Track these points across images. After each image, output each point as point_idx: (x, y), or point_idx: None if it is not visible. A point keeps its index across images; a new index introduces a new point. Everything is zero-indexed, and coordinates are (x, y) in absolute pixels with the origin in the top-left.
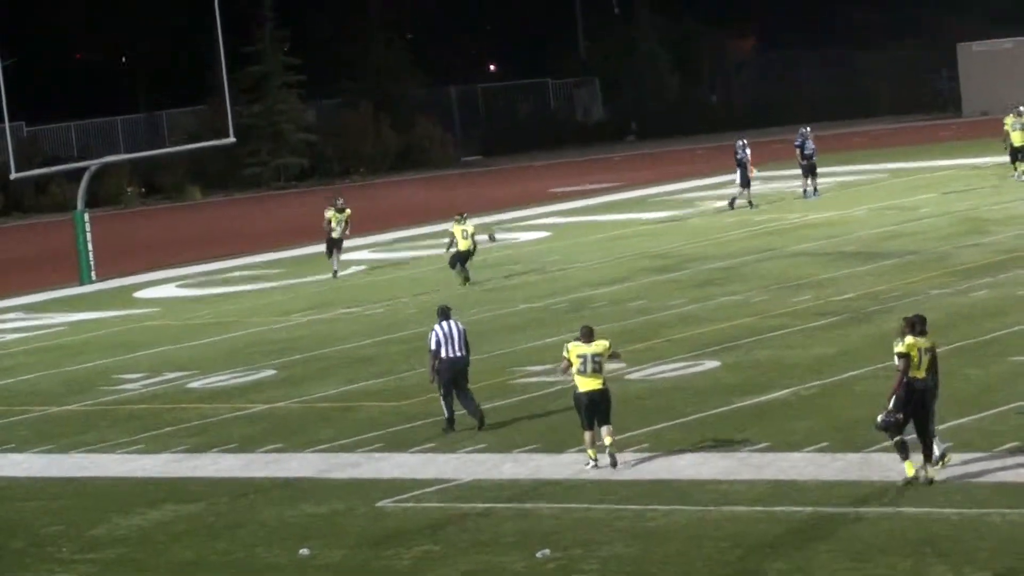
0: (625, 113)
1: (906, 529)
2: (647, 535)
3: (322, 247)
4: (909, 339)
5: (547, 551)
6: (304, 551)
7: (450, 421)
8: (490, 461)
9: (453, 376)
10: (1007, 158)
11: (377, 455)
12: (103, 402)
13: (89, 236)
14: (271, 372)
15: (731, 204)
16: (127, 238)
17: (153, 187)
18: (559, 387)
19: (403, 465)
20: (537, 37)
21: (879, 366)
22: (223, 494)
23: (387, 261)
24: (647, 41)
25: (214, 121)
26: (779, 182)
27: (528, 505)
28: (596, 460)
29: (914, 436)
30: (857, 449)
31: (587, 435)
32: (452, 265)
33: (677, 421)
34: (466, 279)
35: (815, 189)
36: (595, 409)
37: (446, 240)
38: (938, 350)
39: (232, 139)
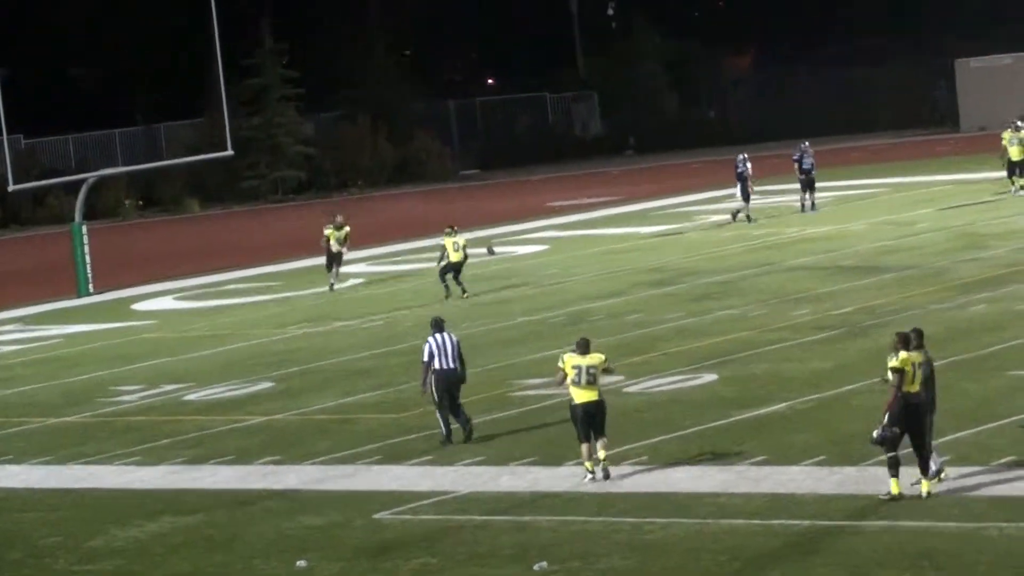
0: (623, 128)
1: (904, 543)
2: (645, 548)
3: (320, 260)
4: (903, 354)
5: (544, 564)
6: (301, 563)
7: (447, 433)
8: (487, 473)
9: (447, 387)
10: (1004, 173)
11: (375, 467)
12: (101, 414)
13: (87, 248)
14: (268, 384)
15: (734, 216)
16: (125, 251)
17: (151, 200)
18: (557, 400)
19: (401, 477)
20: (536, 52)
21: (876, 380)
22: (220, 506)
23: (385, 274)
24: (645, 57)
25: (212, 134)
26: (777, 196)
27: (526, 518)
28: (594, 473)
29: (910, 451)
30: (854, 463)
31: (584, 447)
32: (442, 277)
33: (675, 434)
34: (463, 292)
35: (813, 204)
36: (591, 421)
37: (438, 253)
38: (936, 364)
39: (230, 152)
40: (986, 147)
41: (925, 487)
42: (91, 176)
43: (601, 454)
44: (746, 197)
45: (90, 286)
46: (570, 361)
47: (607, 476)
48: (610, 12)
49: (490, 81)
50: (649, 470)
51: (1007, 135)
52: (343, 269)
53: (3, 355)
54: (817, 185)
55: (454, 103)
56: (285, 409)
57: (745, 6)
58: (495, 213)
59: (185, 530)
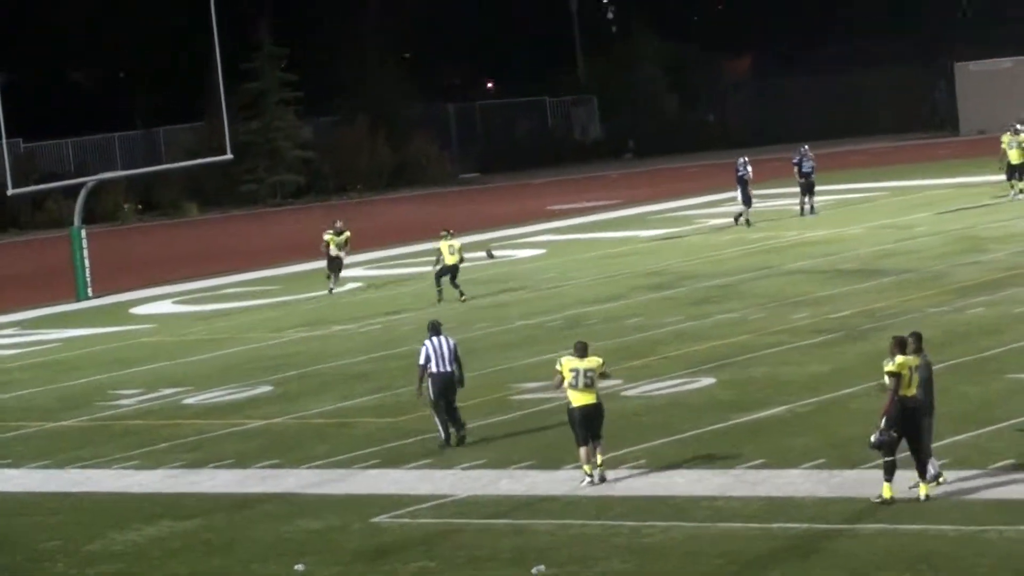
0: (622, 131)
1: (903, 546)
2: (643, 551)
3: (318, 264)
4: (900, 358)
5: (543, 567)
6: (300, 567)
7: (445, 437)
8: (486, 477)
9: (443, 390)
10: (1004, 177)
11: (373, 471)
12: (99, 418)
13: (86, 252)
14: (267, 388)
15: (736, 220)
16: (123, 254)
17: (150, 204)
18: (555, 404)
19: (399, 481)
20: (535, 55)
21: (873, 384)
22: (219, 510)
23: (383, 278)
24: (644, 60)
25: (211, 138)
26: (776, 200)
27: (524, 521)
28: (592, 476)
29: (907, 454)
30: (853, 466)
31: (582, 451)
32: (438, 281)
33: (673, 437)
34: (461, 295)
35: (812, 207)
36: (589, 424)
37: (434, 257)
38: (935, 368)
39: (230, 156)
40: (986, 151)
41: (923, 490)
42: (90, 180)
43: (597, 459)
44: (747, 200)
45: (89, 290)
46: (567, 364)
47: (603, 480)
48: (609, 16)
49: (489, 85)
50: (647, 473)
51: (1006, 138)
52: (342, 273)
53: (1, 359)
54: (816, 188)
55: (453, 107)
56: (283, 413)
57: (744, 9)
58: (494, 217)
59: (183, 534)
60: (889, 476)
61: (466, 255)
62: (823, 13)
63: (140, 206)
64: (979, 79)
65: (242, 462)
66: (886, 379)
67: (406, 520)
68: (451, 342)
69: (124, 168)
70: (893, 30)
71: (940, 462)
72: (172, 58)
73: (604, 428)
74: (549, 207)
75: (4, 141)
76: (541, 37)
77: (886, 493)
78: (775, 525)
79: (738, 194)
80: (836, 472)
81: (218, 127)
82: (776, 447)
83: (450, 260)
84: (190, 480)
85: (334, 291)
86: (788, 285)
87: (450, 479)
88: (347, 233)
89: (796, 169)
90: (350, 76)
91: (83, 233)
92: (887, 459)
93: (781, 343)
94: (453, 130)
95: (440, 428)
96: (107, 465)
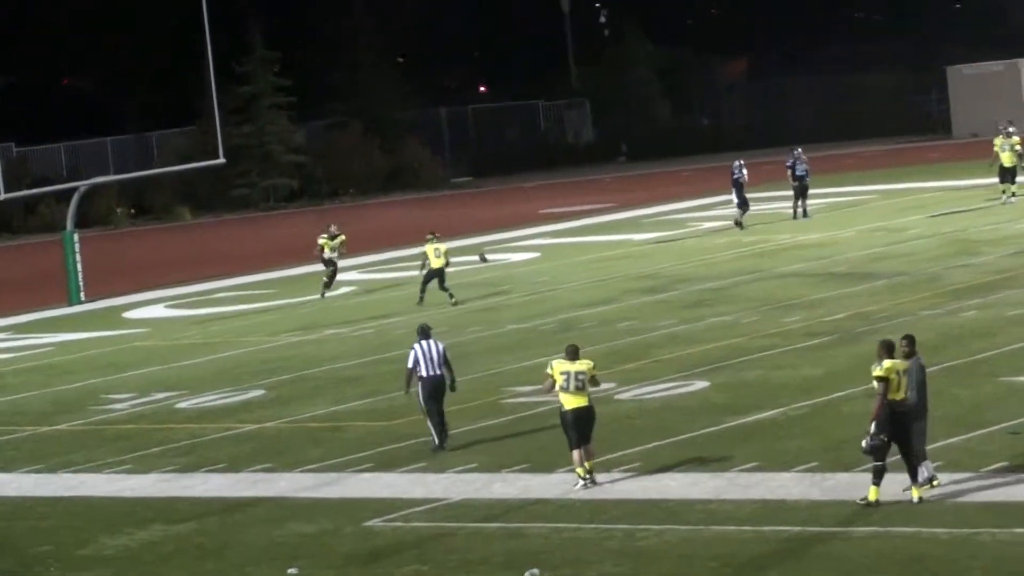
0: (615, 135)
1: (896, 548)
2: (637, 555)
3: (311, 268)
4: (887, 362)
5: (536, 571)
6: (293, 571)
7: (439, 441)
8: (479, 481)
9: (432, 393)
10: (996, 179)
11: (366, 475)
12: (92, 422)
13: (78, 257)
14: (260, 392)
15: (739, 225)
16: (116, 259)
17: (143, 208)
18: (547, 407)
19: (392, 485)
20: (528, 60)
21: (866, 387)
22: (212, 514)
23: (376, 282)
24: (637, 64)
25: (204, 142)
26: (769, 203)
27: (517, 525)
28: (585, 479)
29: (898, 458)
30: (846, 469)
31: (575, 454)
32: (424, 285)
33: (667, 441)
34: (451, 299)
35: (805, 211)
36: (581, 427)
37: (419, 262)
38: (928, 370)
39: (222, 160)
40: (978, 154)
41: (916, 493)
42: (83, 184)
43: (588, 463)
44: (743, 203)
45: (81, 294)
46: (559, 367)
47: (593, 482)
48: (602, 19)
49: (482, 89)
50: (641, 477)
51: (998, 141)
52: (337, 277)
53: None
54: (809, 192)
55: (446, 111)
56: (276, 417)
57: (738, 13)
58: (487, 221)
59: (176, 538)
60: (877, 480)
61: (458, 259)
62: (817, 17)
63: (133, 210)
64: (972, 82)
65: (235, 466)
66: (875, 383)
67: (399, 524)
68: (440, 346)
69: (117, 172)
70: (890, 30)
71: (933, 464)
72: (165, 62)
73: (596, 431)
74: (542, 211)
75: None
76: (534, 41)
77: (872, 496)
78: (768, 528)
79: (733, 197)
80: (829, 475)
81: (211, 131)
82: (769, 450)
83: (436, 263)
84: (183, 484)
85: (327, 295)
86: (781, 288)
87: (443, 483)
88: (342, 236)
89: (789, 172)
90: (343, 80)
91: (76, 237)
92: (877, 464)
93: (774, 346)
94: (445, 134)
95: (433, 432)
96: (100, 469)
